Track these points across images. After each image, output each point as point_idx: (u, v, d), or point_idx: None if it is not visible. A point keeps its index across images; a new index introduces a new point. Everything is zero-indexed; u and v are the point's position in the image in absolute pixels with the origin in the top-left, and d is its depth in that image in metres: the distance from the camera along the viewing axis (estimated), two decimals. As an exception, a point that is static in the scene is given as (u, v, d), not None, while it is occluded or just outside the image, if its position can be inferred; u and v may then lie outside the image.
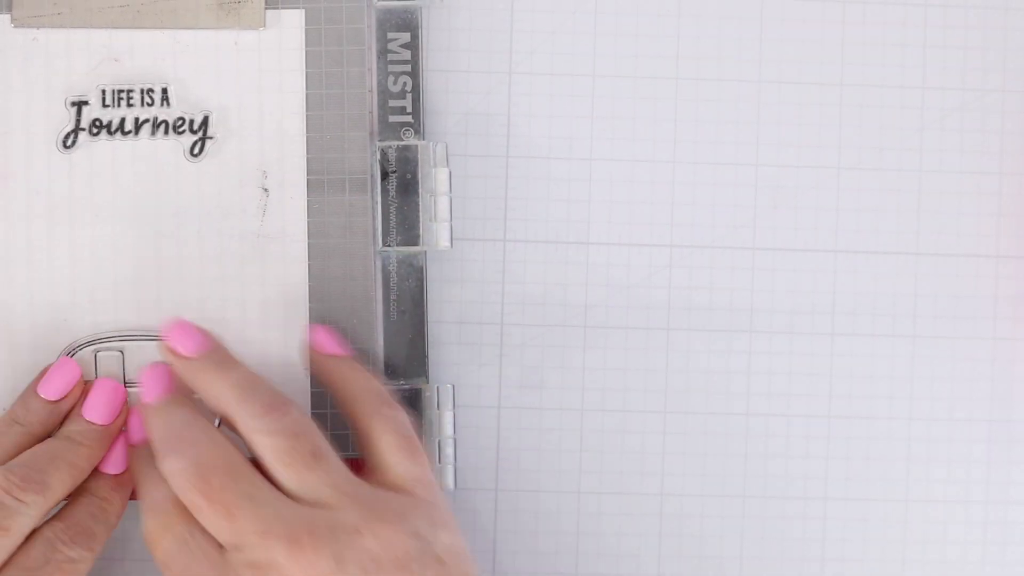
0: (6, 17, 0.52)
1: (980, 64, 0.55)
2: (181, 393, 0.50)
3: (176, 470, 0.47)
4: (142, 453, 0.50)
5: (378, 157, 0.52)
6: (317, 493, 0.46)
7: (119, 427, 0.51)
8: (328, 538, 0.45)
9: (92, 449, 0.50)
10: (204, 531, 0.46)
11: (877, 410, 0.56)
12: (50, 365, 0.52)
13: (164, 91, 0.52)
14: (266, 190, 0.52)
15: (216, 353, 0.50)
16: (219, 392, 0.49)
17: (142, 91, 0.52)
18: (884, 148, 0.56)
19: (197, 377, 0.50)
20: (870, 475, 0.56)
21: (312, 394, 0.53)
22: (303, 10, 0.52)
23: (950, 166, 0.56)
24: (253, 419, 0.48)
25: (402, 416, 0.50)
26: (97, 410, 0.51)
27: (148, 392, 0.50)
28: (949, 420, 0.56)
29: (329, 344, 0.52)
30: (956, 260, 0.56)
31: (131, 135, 0.52)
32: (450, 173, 0.53)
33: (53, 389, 0.51)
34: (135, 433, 0.51)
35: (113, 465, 0.51)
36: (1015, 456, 0.56)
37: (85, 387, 0.52)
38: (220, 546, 0.46)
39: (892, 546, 0.56)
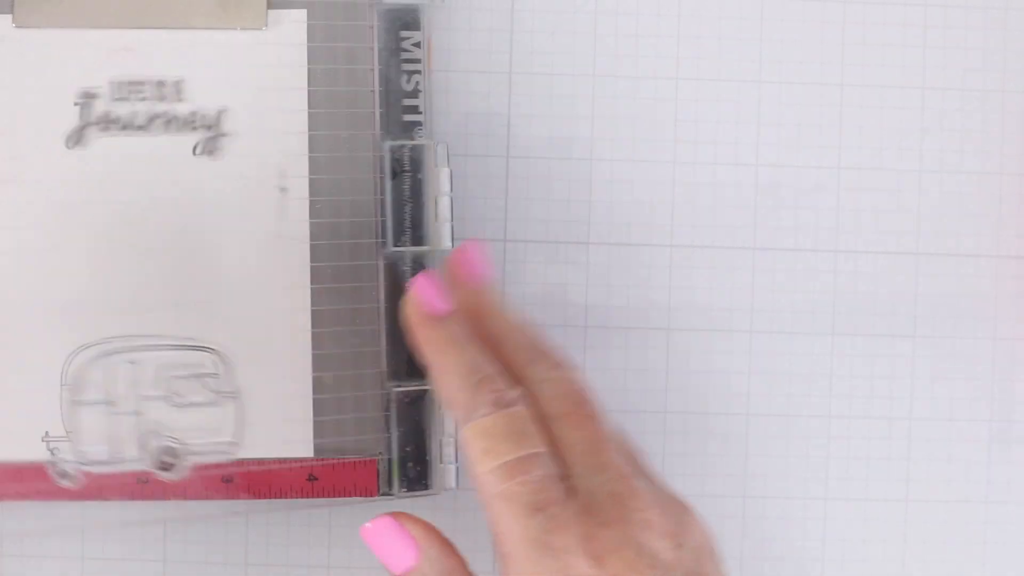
0: (7, 17, 0.51)
1: (980, 64, 0.56)
2: None
3: (571, 377, 0.47)
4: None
5: (389, 157, 0.52)
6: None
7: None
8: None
9: None
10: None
11: (877, 410, 0.56)
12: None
13: (163, 91, 0.52)
14: (284, 189, 0.52)
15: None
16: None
17: (141, 92, 0.52)
18: (884, 148, 0.56)
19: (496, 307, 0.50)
20: (870, 475, 0.56)
21: (313, 400, 0.53)
22: (305, 9, 0.52)
23: (950, 166, 0.56)
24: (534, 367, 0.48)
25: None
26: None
27: (438, 303, 0.49)
28: (949, 420, 0.56)
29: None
30: (956, 260, 0.56)
31: (132, 134, 0.52)
32: (451, 173, 0.53)
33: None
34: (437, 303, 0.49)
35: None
36: (1015, 456, 0.56)
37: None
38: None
39: (892, 546, 0.56)
